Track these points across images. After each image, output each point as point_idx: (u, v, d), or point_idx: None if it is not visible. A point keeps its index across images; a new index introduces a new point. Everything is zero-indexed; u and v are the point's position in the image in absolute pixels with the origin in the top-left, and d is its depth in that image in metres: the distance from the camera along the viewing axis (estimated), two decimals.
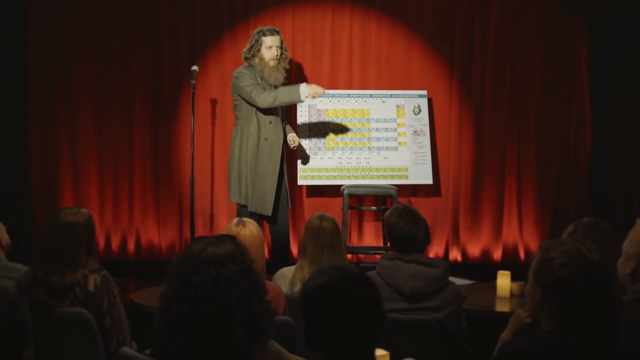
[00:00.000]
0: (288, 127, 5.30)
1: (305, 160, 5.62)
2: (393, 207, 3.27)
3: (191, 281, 1.79)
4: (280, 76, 5.06)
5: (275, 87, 5.03)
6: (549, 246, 1.91)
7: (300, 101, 5.00)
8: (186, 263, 1.83)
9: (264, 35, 5.05)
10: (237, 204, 5.09)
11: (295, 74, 5.93)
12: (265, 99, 4.89)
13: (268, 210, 4.98)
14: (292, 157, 5.62)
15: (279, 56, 5.06)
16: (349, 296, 1.66)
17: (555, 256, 1.86)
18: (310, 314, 1.69)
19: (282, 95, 4.90)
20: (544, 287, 1.86)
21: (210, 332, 1.77)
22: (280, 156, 5.06)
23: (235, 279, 1.81)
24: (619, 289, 1.87)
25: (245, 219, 2.98)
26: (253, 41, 5.07)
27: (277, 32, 5.11)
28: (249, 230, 2.89)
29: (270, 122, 5.04)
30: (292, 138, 5.18)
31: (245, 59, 5.09)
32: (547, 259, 1.88)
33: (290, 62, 5.64)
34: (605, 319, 1.79)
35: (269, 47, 5.03)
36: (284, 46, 5.15)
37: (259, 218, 5.03)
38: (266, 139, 5.03)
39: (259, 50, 5.04)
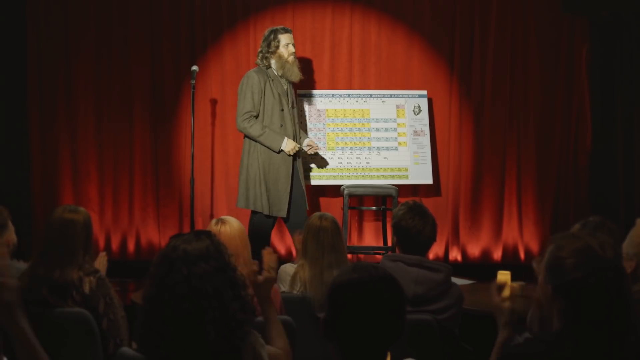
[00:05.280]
0: (303, 133, 5.28)
1: (321, 164, 5.63)
2: (403, 202, 3.25)
3: (165, 282, 1.79)
4: (298, 72, 5.11)
5: (293, 83, 5.11)
6: (561, 243, 1.85)
7: (277, 150, 4.99)
8: (161, 263, 1.83)
9: (280, 33, 5.11)
10: (251, 210, 5.13)
11: None
12: (248, 127, 4.95)
13: (284, 212, 5.03)
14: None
15: (294, 52, 5.12)
16: (377, 297, 1.66)
17: (566, 256, 1.81)
18: (335, 305, 1.68)
19: (267, 139, 4.95)
20: (555, 288, 1.82)
21: (183, 332, 1.76)
22: (292, 159, 5.06)
23: (208, 277, 1.80)
24: (630, 288, 1.83)
25: (224, 216, 2.98)
26: (270, 40, 5.10)
27: (290, 31, 5.19)
28: (230, 226, 2.90)
29: (282, 125, 5.03)
30: (309, 143, 5.18)
31: (264, 57, 5.09)
32: (559, 258, 1.83)
33: None
34: (615, 319, 1.76)
35: (286, 44, 5.08)
36: (294, 45, 5.19)
37: (272, 219, 5.10)
38: None
39: (277, 47, 5.08)
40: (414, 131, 5.81)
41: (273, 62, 5.09)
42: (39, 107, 5.94)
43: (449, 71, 6.10)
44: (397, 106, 5.86)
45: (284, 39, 5.08)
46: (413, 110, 5.85)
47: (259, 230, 5.03)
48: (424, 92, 5.92)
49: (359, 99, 5.83)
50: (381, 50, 6.06)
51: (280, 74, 5.07)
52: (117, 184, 6.00)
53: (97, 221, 5.86)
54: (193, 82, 5.40)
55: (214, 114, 5.98)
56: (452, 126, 6.09)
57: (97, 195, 5.98)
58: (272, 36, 5.09)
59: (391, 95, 5.87)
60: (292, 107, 5.16)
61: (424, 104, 5.87)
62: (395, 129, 5.81)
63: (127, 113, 5.98)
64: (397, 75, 6.07)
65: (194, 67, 5.45)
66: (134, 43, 5.95)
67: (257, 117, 4.99)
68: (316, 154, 5.46)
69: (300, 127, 5.32)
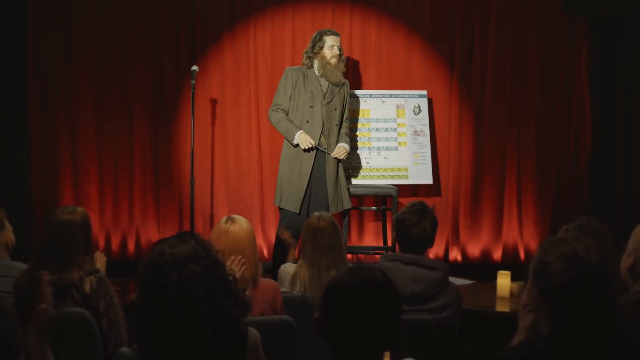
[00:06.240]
0: (342, 136, 5.23)
1: (354, 170, 5.67)
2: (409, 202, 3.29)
3: (156, 289, 1.77)
4: (340, 74, 5.16)
5: (336, 84, 5.14)
6: (547, 248, 1.87)
7: (292, 142, 5.06)
8: (149, 271, 1.80)
9: (326, 35, 5.21)
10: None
11: None
12: (272, 117, 5.14)
13: (295, 207, 5.05)
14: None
15: (340, 55, 5.17)
16: (368, 302, 1.64)
17: (552, 260, 1.83)
18: (327, 306, 1.68)
19: (282, 127, 5.09)
20: (541, 292, 1.84)
21: (180, 336, 1.75)
22: (314, 157, 5.06)
23: (199, 279, 1.78)
24: (616, 293, 1.84)
25: (234, 215, 2.98)
26: (316, 41, 5.20)
27: (337, 34, 5.26)
28: (239, 226, 2.89)
29: (307, 122, 5.09)
30: (338, 148, 5.14)
31: (308, 58, 5.18)
32: (544, 262, 1.84)
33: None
34: (600, 324, 1.77)
35: (331, 46, 5.16)
36: (341, 48, 5.23)
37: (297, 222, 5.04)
38: None
39: (321, 48, 5.16)
40: (414, 131, 5.81)
41: (316, 62, 5.17)
42: (39, 107, 5.94)
43: (449, 71, 6.10)
44: (397, 106, 5.86)
45: (329, 40, 5.17)
46: (413, 110, 5.85)
47: (284, 225, 5.01)
48: (424, 92, 5.91)
49: (359, 99, 5.83)
50: (381, 50, 6.06)
51: (320, 74, 5.14)
52: (117, 184, 6.00)
53: (97, 221, 5.86)
54: (193, 82, 5.41)
55: (214, 114, 5.98)
56: (452, 126, 6.08)
57: (97, 195, 5.98)
58: (317, 37, 5.21)
59: (391, 95, 5.87)
60: (334, 107, 5.14)
61: (424, 104, 5.87)
62: (395, 129, 5.81)
63: (127, 113, 5.98)
64: (397, 75, 6.07)
65: (194, 67, 5.46)
66: (134, 43, 5.95)
67: (286, 110, 5.12)
68: (355, 154, 5.60)
69: (338, 131, 5.24)
